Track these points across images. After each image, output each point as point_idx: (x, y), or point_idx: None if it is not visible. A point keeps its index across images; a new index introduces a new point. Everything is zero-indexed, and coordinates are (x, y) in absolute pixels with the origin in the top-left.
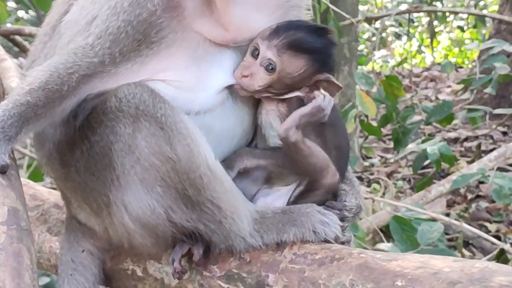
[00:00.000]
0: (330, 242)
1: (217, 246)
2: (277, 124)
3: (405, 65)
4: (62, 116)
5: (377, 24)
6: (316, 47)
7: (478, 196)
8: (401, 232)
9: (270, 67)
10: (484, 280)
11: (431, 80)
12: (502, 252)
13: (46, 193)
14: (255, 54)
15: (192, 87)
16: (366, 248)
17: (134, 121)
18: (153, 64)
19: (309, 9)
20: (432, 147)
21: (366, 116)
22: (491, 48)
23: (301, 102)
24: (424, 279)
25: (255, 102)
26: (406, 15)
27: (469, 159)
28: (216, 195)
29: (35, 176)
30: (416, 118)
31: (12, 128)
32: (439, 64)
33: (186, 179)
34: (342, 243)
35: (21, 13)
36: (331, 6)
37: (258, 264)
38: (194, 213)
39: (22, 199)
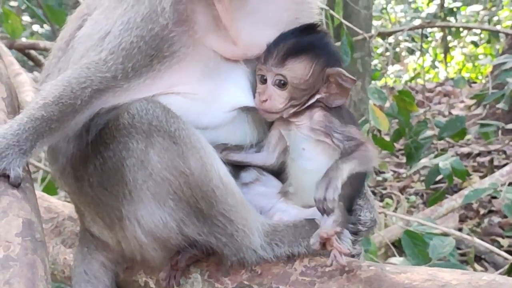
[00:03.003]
0: None
1: (229, 259)
2: (318, 135)
3: (418, 80)
4: (75, 130)
5: (391, 39)
6: (310, 41)
7: (490, 211)
8: (412, 246)
9: (281, 83)
10: None
11: (445, 95)
12: None
13: (60, 205)
14: (263, 79)
15: (207, 101)
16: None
17: (147, 136)
18: (165, 78)
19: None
20: (444, 162)
21: (379, 130)
22: (504, 63)
23: (322, 104)
24: None
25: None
26: (419, 30)
27: (482, 174)
28: (228, 208)
29: (49, 190)
30: (429, 133)
31: (27, 142)
32: (452, 79)
33: (198, 193)
34: (353, 256)
35: (36, 27)
36: (344, 22)
37: (269, 276)
38: (206, 226)
39: (37, 212)
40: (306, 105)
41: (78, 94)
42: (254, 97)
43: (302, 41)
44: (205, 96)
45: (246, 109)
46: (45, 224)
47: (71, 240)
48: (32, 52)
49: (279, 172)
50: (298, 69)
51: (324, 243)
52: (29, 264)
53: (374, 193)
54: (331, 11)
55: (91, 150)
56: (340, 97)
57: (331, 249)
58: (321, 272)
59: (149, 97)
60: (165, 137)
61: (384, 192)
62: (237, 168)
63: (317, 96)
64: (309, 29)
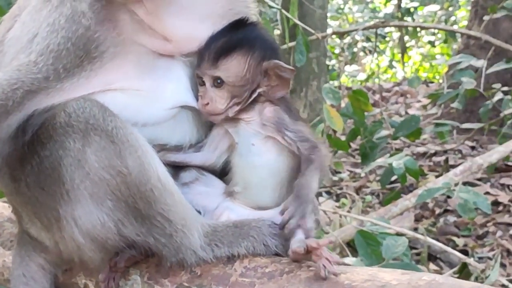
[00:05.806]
0: (281, 255)
1: (168, 260)
2: (268, 131)
3: (376, 80)
4: (9, 132)
5: (348, 39)
6: (240, 37)
7: (446, 211)
8: (366, 246)
9: (217, 82)
10: None
11: (402, 95)
12: (465, 266)
13: (0, 207)
14: (202, 82)
15: (146, 97)
16: None
17: (84, 135)
18: (100, 77)
19: (274, 21)
20: (398, 162)
21: (334, 130)
22: (459, 63)
23: (264, 97)
24: None
25: None
26: (375, 30)
27: (438, 174)
28: (166, 208)
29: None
30: (384, 132)
31: None
32: None
33: (136, 192)
34: None
35: None
36: (298, 22)
37: (209, 277)
38: (144, 226)
39: None
40: (249, 100)
41: (9, 96)
42: (196, 99)
43: (232, 38)
44: (145, 93)
45: (187, 108)
46: None
47: (10, 242)
48: None
49: (221, 174)
50: (232, 67)
51: (310, 251)
52: None
53: (330, 193)
54: (285, 12)
55: (28, 150)
56: (282, 89)
57: (317, 258)
58: (261, 273)
59: (86, 95)
60: (102, 136)
61: (340, 192)
62: (177, 168)
63: (259, 90)
64: (239, 24)
